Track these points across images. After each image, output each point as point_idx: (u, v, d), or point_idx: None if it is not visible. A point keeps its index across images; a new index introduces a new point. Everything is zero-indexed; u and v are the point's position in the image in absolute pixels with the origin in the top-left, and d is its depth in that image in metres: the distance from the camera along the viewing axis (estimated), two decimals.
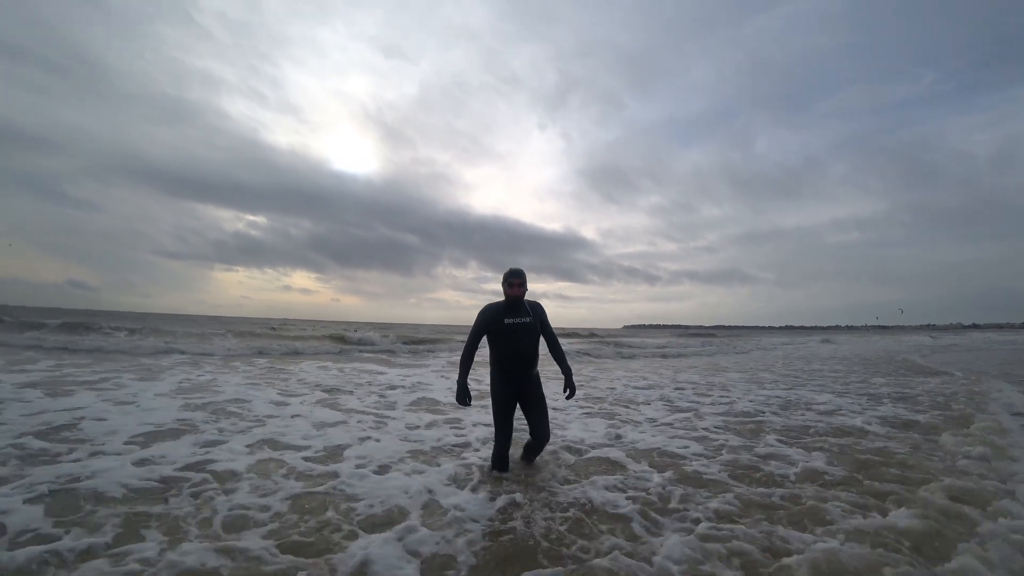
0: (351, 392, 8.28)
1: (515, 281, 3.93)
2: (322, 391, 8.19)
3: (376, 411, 6.68)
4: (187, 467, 3.96)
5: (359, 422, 5.89)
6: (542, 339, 4.12)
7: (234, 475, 3.85)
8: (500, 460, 4.07)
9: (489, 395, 4.30)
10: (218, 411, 6.13)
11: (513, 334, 3.91)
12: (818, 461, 4.58)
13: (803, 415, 6.96)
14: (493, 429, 4.17)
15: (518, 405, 4.06)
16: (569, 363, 4.26)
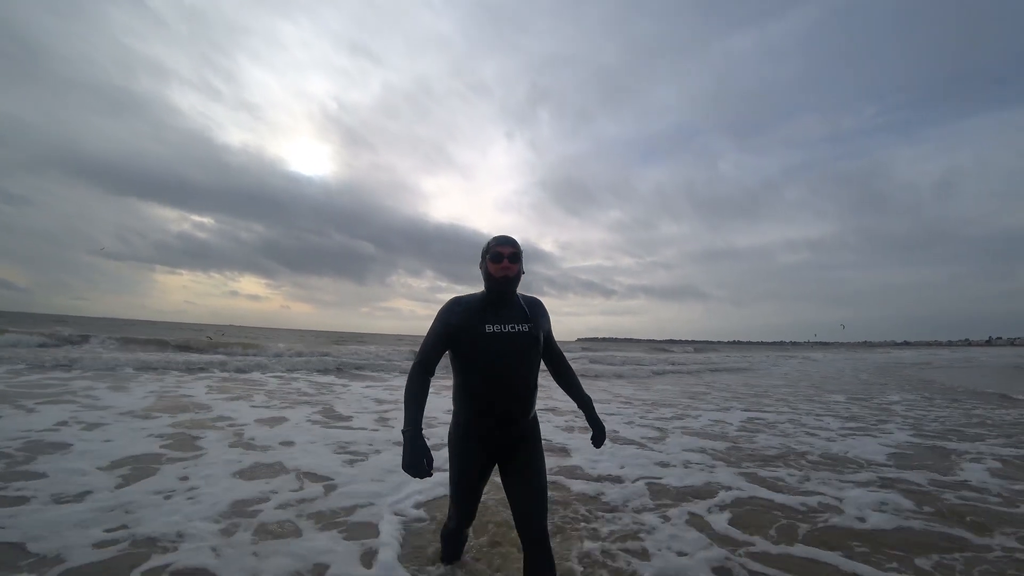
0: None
1: (504, 250, 2.20)
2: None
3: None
4: None
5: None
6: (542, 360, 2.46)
7: None
8: (452, 543, 2.66)
9: (446, 447, 2.51)
10: None
11: (499, 350, 2.17)
12: None
13: None
14: (448, 495, 2.47)
15: (495, 470, 2.38)
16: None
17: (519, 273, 2.25)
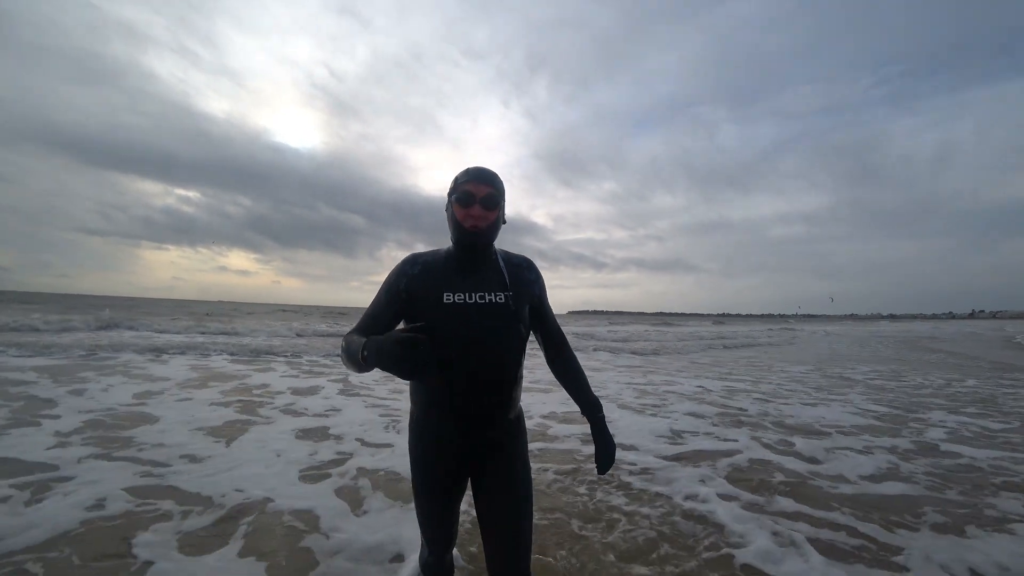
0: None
1: (476, 190, 1.52)
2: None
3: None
4: None
5: None
6: (530, 341, 1.74)
7: None
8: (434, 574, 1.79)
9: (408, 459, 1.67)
10: None
11: (463, 327, 1.51)
12: None
13: None
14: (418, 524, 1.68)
15: (468, 485, 1.67)
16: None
17: (497, 223, 1.55)
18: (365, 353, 1.28)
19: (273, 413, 5.39)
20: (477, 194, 1.49)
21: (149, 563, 2.27)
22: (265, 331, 16.41)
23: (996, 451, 4.44)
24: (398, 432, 4.71)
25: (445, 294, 1.49)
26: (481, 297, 1.52)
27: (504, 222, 1.60)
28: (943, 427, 5.41)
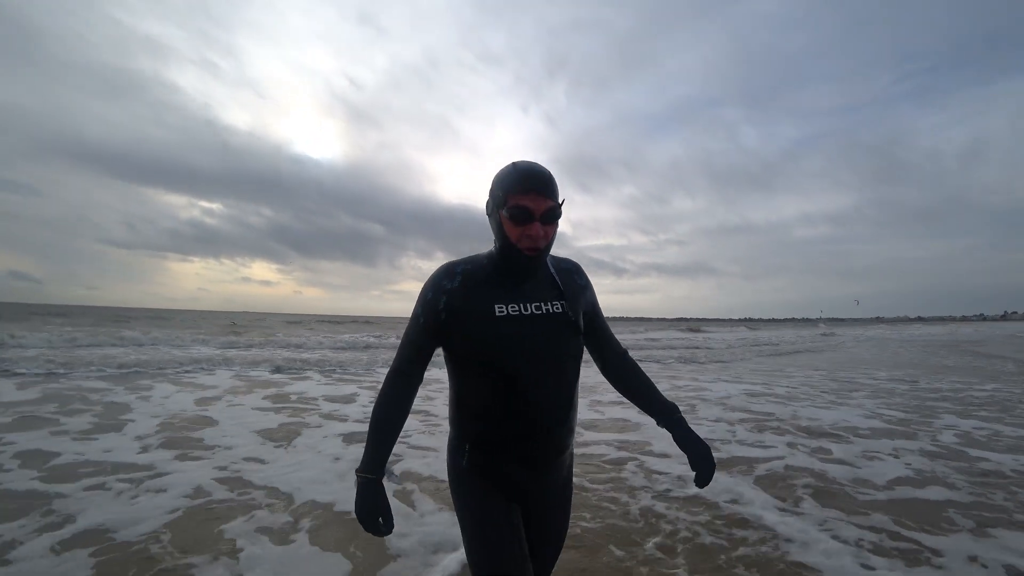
0: None
1: (536, 204, 1.21)
2: None
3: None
4: None
5: None
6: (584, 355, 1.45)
7: None
8: None
9: (448, 487, 1.43)
10: None
11: (518, 343, 1.27)
12: None
13: None
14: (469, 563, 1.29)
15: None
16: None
17: (554, 232, 1.30)
18: (357, 477, 1.27)
19: (318, 419, 5.85)
20: (536, 210, 1.20)
21: (240, 549, 2.66)
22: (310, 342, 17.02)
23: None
24: (433, 435, 5.09)
25: (496, 306, 1.27)
26: (537, 307, 1.30)
27: (556, 229, 1.31)
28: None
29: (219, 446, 4.51)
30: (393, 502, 3.54)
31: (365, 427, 5.43)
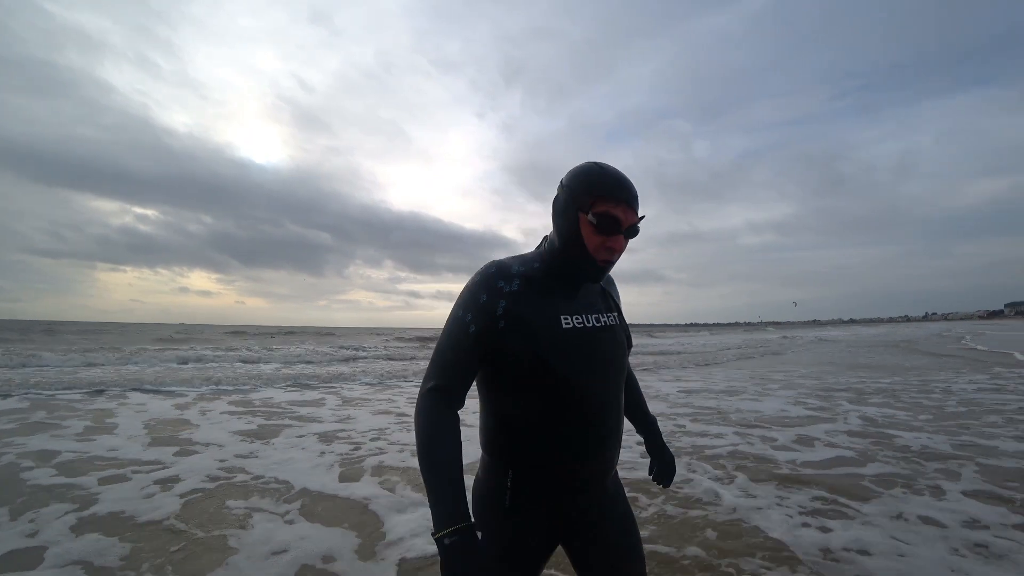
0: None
1: (628, 217, 1.08)
2: None
3: None
4: None
5: None
6: None
7: None
8: None
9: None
10: None
11: (588, 357, 1.12)
12: None
13: None
14: None
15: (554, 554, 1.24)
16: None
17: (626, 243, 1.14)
18: (439, 542, 0.93)
19: (290, 421, 6.27)
20: (625, 222, 1.08)
21: (252, 524, 3.13)
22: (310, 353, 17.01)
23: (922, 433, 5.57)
24: (408, 431, 5.62)
25: (563, 317, 1.12)
26: (597, 320, 1.18)
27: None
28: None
29: (212, 443, 4.93)
30: (376, 490, 4.24)
31: (344, 426, 6.00)
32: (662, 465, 1.45)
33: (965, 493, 3.58)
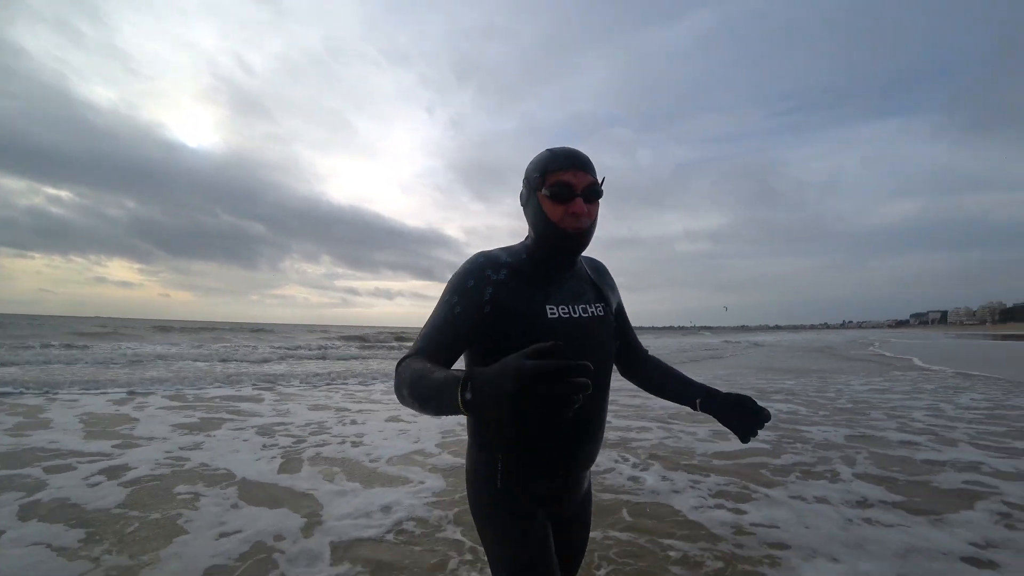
0: None
1: (577, 179, 1.11)
2: None
3: None
4: None
5: None
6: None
7: None
8: None
9: (472, 513, 1.26)
10: None
11: (574, 349, 1.13)
12: None
13: None
14: None
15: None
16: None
17: (596, 220, 1.18)
18: (468, 396, 0.76)
19: (228, 415, 6.42)
20: (577, 185, 1.11)
21: (202, 510, 3.38)
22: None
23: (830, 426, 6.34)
24: (346, 425, 5.92)
25: (548, 307, 1.14)
26: (583, 310, 1.19)
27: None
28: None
29: (154, 437, 5.07)
30: (317, 479, 4.58)
31: (282, 419, 6.26)
32: (737, 410, 1.24)
33: (857, 475, 4.21)
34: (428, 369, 0.91)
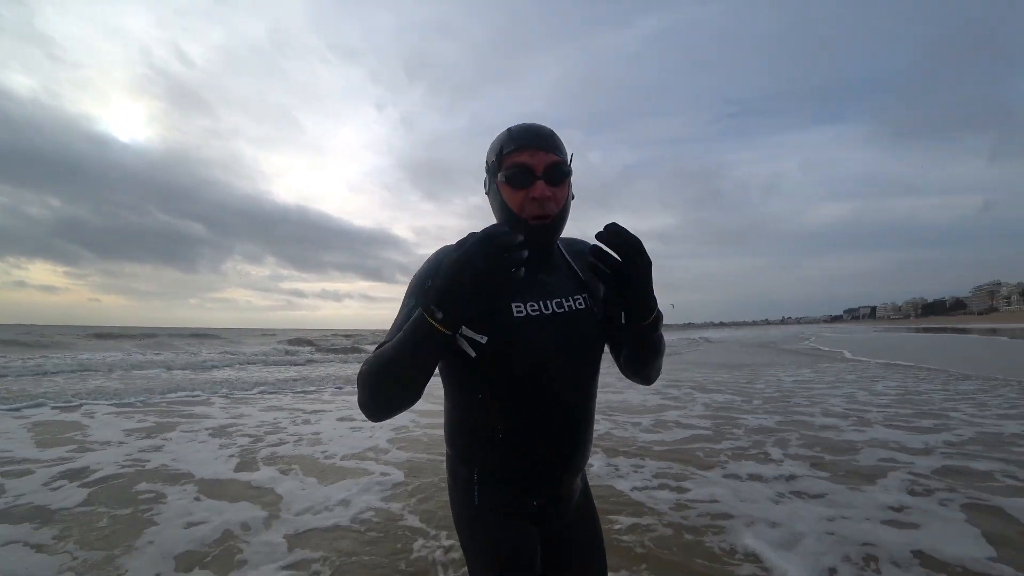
0: None
1: (538, 159, 1.00)
2: None
3: None
4: None
5: None
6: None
7: None
8: None
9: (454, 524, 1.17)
10: None
11: (544, 347, 1.04)
12: None
13: None
14: None
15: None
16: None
17: (567, 204, 1.07)
18: (431, 294, 0.85)
19: (180, 419, 6.54)
20: (537, 166, 0.99)
21: (169, 504, 3.60)
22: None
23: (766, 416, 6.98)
24: (299, 425, 6.16)
25: (514, 305, 1.03)
26: (559, 304, 1.07)
27: (572, 197, 1.09)
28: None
29: (109, 441, 5.19)
30: (275, 475, 4.89)
31: (236, 421, 6.45)
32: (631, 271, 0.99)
33: (787, 455, 4.74)
34: (387, 345, 0.93)
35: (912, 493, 3.72)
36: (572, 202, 1.09)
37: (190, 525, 3.24)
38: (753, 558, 2.77)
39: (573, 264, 1.17)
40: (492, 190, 1.07)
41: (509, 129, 1.05)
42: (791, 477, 4.13)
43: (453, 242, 1.00)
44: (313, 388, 10.20)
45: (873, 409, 7.04)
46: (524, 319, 1.03)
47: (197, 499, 3.71)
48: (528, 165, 0.99)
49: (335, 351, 24.03)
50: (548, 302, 1.06)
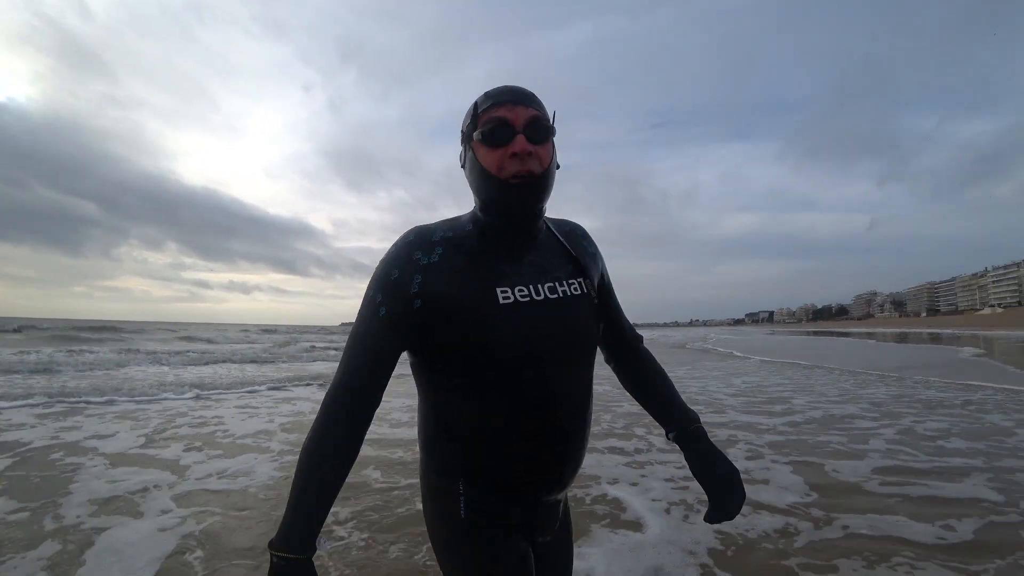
0: None
1: (517, 114, 0.85)
2: None
3: None
4: None
5: None
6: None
7: None
8: None
9: (432, 544, 0.98)
10: None
11: (535, 338, 0.87)
12: None
13: None
14: None
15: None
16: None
17: (552, 166, 0.90)
18: (272, 556, 0.77)
19: (89, 405, 7.05)
20: (516, 120, 0.85)
21: (81, 468, 4.34)
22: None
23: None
24: (199, 411, 6.84)
25: (499, 289, 0.87)
26: (551, 289, 0.91)
27: (558, 166, 0.93)
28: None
29: (24, 424, 5.72)
30: (179, 451, 5.77)
31: (140, 407, 7.04)
32: (719, 486, 0.98)
33: (650, 433, 5.60)
34: (313, 467, 0.81)
35: (753, 460, 4.53)
36: (558, 172, 0.93)
37: (109, 482, 3.92)
38: (615, 503, 3.55)
39: (565, 244, 1.01)
40: (468, 159, 0.90)
41: (486, 92, 0.89)
42: (647, 448, 4.96)
43: (396, 235, 0.93)
44: (220, 386, 10.50)
45: (728, 398, 8.15)
46: (512, 305, 0.86)
47: (113, 465, 4.40)
48: (506, 119, 0.84)
49: (245, 343, 21.81)
50: (539, 286, 0.90)
